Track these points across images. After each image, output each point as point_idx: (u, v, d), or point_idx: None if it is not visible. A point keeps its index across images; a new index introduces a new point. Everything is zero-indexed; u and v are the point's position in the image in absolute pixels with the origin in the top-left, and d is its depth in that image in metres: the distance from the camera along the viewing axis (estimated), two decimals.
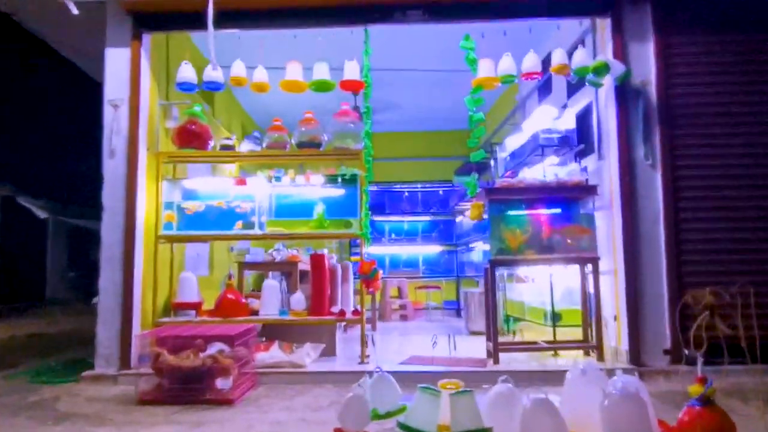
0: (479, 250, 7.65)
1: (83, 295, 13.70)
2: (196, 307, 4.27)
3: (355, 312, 4.11)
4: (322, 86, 4.00)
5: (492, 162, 6.62)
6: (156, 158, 4.32)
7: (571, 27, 4.51)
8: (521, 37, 4.10)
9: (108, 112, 4.12)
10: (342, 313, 4.13)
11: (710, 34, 3.97)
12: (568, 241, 4.03)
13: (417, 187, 9.00)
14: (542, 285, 5.03)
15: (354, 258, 7.66)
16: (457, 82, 7.08)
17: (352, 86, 4.00)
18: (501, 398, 2.32)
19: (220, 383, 3.32)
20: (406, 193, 9.01)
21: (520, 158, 5.11)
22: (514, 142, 5.44)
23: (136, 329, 4.00)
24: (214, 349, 3.46)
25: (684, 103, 3.93)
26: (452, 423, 2.22)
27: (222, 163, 4.76)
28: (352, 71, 3.98)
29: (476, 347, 4.87)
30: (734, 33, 3.95)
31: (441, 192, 9.01)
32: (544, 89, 5.57)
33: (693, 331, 2.40)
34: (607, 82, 4.03)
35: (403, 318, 7.91)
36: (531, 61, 3.94)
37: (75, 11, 3.88)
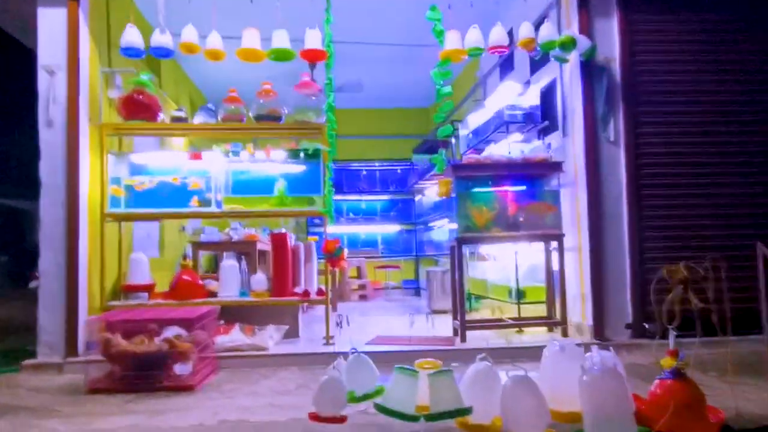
0: (440, 228, 7.65)
1: (18, 280, 12.86)
2: (149, 289, 4.01)
3: (320, 292, 3.98)
4: (281, 55, 3.77)
5: (453, 140, 6.55)
6: (99, 130, 3.98)
7: (536, 1, 4.45)
8: (486, 10, 4.01)
9: (43, 78, 3.75)
10: (306, 293, 3.98)
11: (672, 12, 4.01)
12: (533, 218, 4.03)
13: (375, 166, 8.87)
14: (506, 263, 5.05)
15: (311, 238, 7.48)
16: (419, 58, 6.96)
17: (313, 56, 3.79)
18: (479, 376, 2.26)
19: (179, 369, 3.12)
20: (364, 172, 8.87)
21: (484, 135, 5.06)
22: (476, 119, 5.39)
23: (83, 314, 3.72)
24: (170, 333, 3.25)
25: (647, 80, 3.97)
26: (432, 403, 2.15)
27: (173, 136, 4.46)
28: (313, 40, 3.77)
29: (439, 326, 4.86)
30: (695, 12, 4.00)
31: (399, 171, 8.92)
32: (506, 66, 5.53)
33: (666, 305, 2.42)
34: (572, 58, 4.02)
35: (363, 298, 7.84)
36: (498, 35, 3.85)
37: None
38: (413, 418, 2.15)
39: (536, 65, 4.79)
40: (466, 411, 2.13)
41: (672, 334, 2.41)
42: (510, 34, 4.81)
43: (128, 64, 4.69)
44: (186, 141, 6.38)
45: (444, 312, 5.91)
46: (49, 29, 3.76)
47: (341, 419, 2.15)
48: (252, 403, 2.79)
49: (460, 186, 4.02)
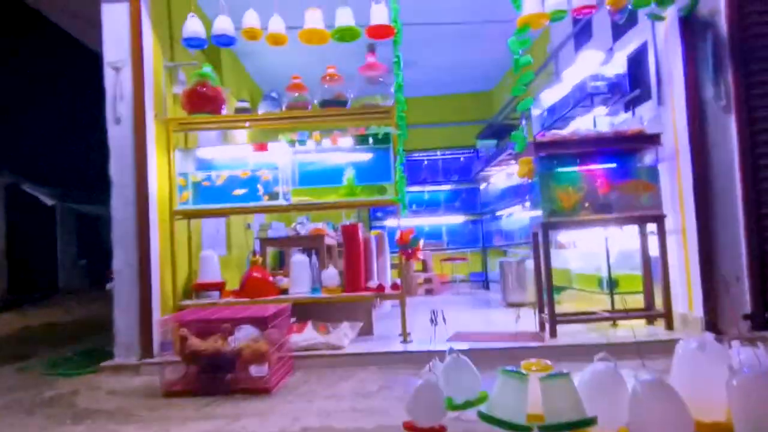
0: (509, 217, 7.24)
1: (96, 282, 13.47)
2: (220, 287, 3.91)
3: (395, 286, 3.74)
4: (346, 34, 3.54)
5: (523, 121, 6.14)
6: (165, 126, 3.90)
7: None
8: None
9: (109, 75, 3.70)
10: (381, 287, 3.75)
11: None
12: (628, 198, 3.61)
13: (437, 155, 8.54)
14: (591, 249, 4.63)
15: (374, 232, 7.29)
16: (479, 37, 6.58)
17: (380, 32, 3.53)
18: (600, 380, 1.94)
19: (255, 370, 2.97)
20: (426, 162, 8.55)
21: (562, 112, 4.64)
22: (551, 95, 4.97)
23: (157, 314, 3.66)
24: (243, 332, 3.11)
25: (759, 33, 3.44)
26: (547, 412, 1.85)
27: (238, 128, 4.33)
28: (379, 15, 3.51)
29: (521, 321, 4.50)
30: None
31: (462, 159, 8.54)
32: (583, 35, 5.06)
33: None
34: (669, 15, 3.55)
35: (429, 292, 7.56)
36: None
37: None
38: (525, 429, 1.85)
39: (620, 30, 4.32)
40: (589, 422, 1.81)
41: None
42: None
43: (190, 59, 4.62)
44: (248, 134, 6.32)
45: (520, 305, 5.54)
46: (113, 25, 3.71)
47: (440, 430, 1.88)
48: (333, 407, 2.58)
49: (543, 166, 3.65)
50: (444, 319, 2.01)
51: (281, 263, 6.80)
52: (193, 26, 3.62)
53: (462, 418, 2.06)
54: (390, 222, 8.23)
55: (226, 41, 3.65)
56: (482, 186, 8.42)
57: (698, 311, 3.49)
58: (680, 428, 1.77)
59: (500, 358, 3.21)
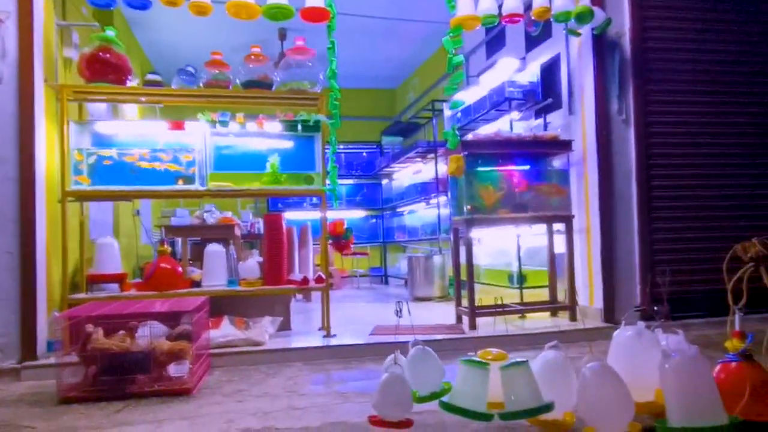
0: (411, 213, 7.40)
1: None
2: (121, 278, 3.48)
3: (319, 279, 3.61)
4: (279, 12, 3.33)
5: (433, 120, 6.32)
6: (57, 93, 3.38)
7: None
8: None
9: None
10: (305, 281, 3.60)
11: None
12: (542, 199, 3.85)
13: (339, 148, 8.45)
14: (499, 246, 4.88)
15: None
16: (393, 34, 6.65)
17: (315, 15, 3.39)
18: (551, 367, 2.03)
19: (175, 369, 2.68)
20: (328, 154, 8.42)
21: (477, 114, 4.84)
22: (465, 97, 5.15)
23: (42, 310, 3.16)
24: (153, 329, 2.79)
25: (657, 57, 3.87)
26: (507, 400, 1.89)
27: (148, 104, 3.88)
28: None
29: (428, 314, 4.63)
30: None
31: (365, 154, 8.57)
32: (495, 42, 5.32)
33: (733, 282, 2.29)
34: (584, 32, 3.85)
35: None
36: (513, 2, 3.61)
37: None
38: (486, 417, 1.88)
39: (533, 41, 4.60)
40: (547, 408, 1.88)
41: (738, 314, 2.29)
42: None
43: (83, 19, 4.07)
44: (139, 111, 5.74)
45: (428, 299, 5.70)
46: None
47: (407, 423, 1.84)
48: (269, 407, 2.41)
49: (467, 164, 3.77)
50: (409, 311, 1.96)
51: (179, 253, 6.28)
52: None
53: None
54: (291, 214, 7.99)
55: (140, 4, 3.26)
56: (384, 182, 8.52)
57: (598, 304, 3.84)
58: (623, 409, 1.91)
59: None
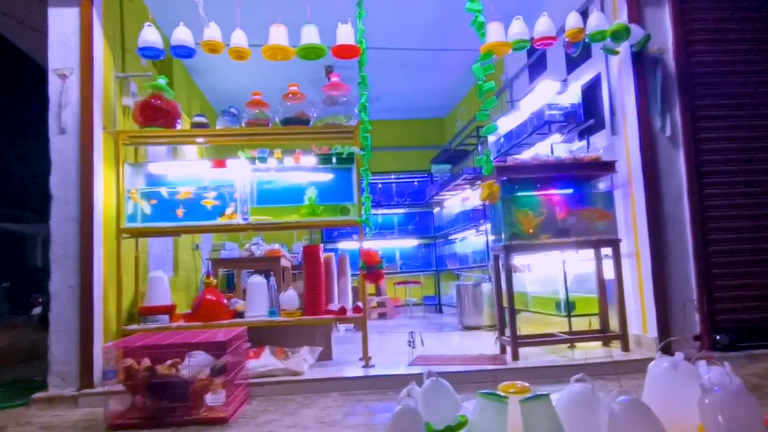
0: (462, 241, 7.32)
1: (19, 307, 12.48)
2: (170, 311, 3.67)
3: (357, 309, 3.63)
4: (312, 52, 3.48)
5: (479, 147, 6.28)
6: (114, 138, 3.68)
7: None
8: (507, 3, 3.71)
9: (54, 83, 3.46)
10: (342, 310, 3.64)
11: (727, 1, 3.74)
12: (586, 223, 3.71)
13: (390, 178, 8.56)
14: (546, 273, 4.72)
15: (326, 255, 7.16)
16: (436, 64, 6.73)
17: (346, 52, 3.51)
18: (578, 401, 1.92)
19: (211, 398, 2.77)
20: (380, 185, 8.54)
21: (519, 138, 4.77)
22: (508, 122, 5.10)
23: (99, 340, 3.38)
24: (198, 359, 2.91)
25: (703, 71, 3.68)
26: None
27: (195, 144, 4.14)
28: (345, 35, 3.49)
29: (476, 344, 4.52)
30: (749, 1, 3.74)
31: (416, 183, 8.61)
32: (537, 66, 5.26)
33: None
34: (622, 50, 3.74)
35: (382, 316, 7.46)
36: (545, 26, 3.57)
37: None
38: None
39: (574, 62, 4.51)
40: None
41: None
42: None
43: (141, 70, 4.42)
44: (201, 151, 6.10)
45: (477, 328, 5.56)
46: (61, 31, 3.49)
47: None
48: None
49: (504, 190, 3.70)
50: (422, 342, 1.94)
51: (230, 285, 6.53)
52: (150, 35, 3.46)
53: None
54: (344, 244, 8.12)
55: (185, 53, 3.51)
56: (436, 210, 8.50)
57: (652, 332, 3.60)
58: None
59: (464, 381, 3.17)
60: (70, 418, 2.97)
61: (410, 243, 8.54)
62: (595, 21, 3.55)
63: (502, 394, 1.91)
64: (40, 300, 9.33)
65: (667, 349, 3.48)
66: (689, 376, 1.95)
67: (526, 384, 2.00)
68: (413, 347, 1.90)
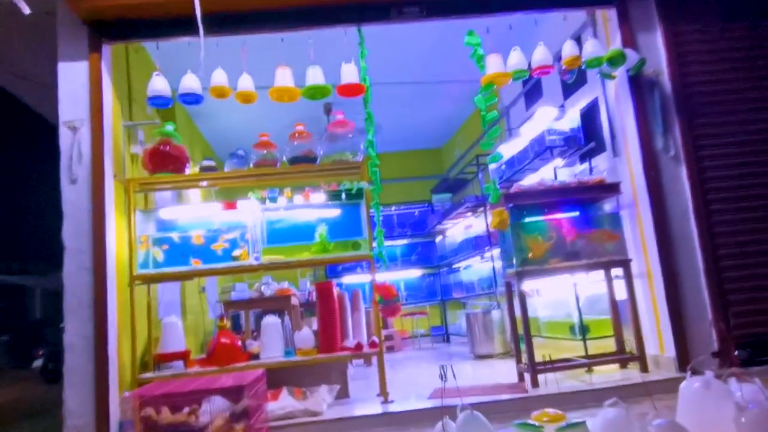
0: (467, 269, 7.32)
1: (20, 360, 12.28)
2: (185, 356, 3.63)
3: (372, 344, 3.61)
4: (317, 92, 3.57)
5: (480, 174, 6.36)
6: (125, 186, 3.71)
7: (562, 25, 4.31)
8: (504, 35, 3.84)
9: (65, 135, 3.51)
10: (359, 346, 3.62)
11: (715, 21, 3.87)
12: (595, 245, 3.74)
13: (391, 210, 8.61)
14: (558, 296, 4.72)
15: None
16: (432, 96, 6.87)
17: (351, 90, 3.59)
18: (613, 426, 1.91)
19: None
20: (381, 217, 8.56)
21: (520, 165, 4.84)
22: (507, 149, 5.18)
23: (114, 391, 3.33)
24: (216, 404, 2.87)
25: (700, 91, 3.78)
26: None
27: (204, 187, 4.18)
28: (350, 74, 3.58)
29: (490, 372, 4.48)
30: (740, 19, 3.87)
31: (417, 213, 8.66)
32: (533, 93, 5.38)
33: None
34: (618, 74, 3.85)
35: (390, 349, 7.39)
36: (542, 54, 3.68)
37: (27, 10, 3.28)
38: None
39: (570, 88, 4.63)
40: None
41: None
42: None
43: (147, 118, 4.50)
44: (202, 193, 6.14)
45: (489, 357, 5.52)
46: (71, 84, 3.56)
47: None
48: None
49: (512, 217, 3.74)
50: (453, 374, 1.93)
51: (235, 326, 6.47)
52: (159, 84, 3.54)
53: None
54: (348, 278, 8.10)
55: (193, 99, 3.59)
56: (438, 239, 8.53)
57: (669, 352, 3.59)
58: None
59: (488, 412, 3.12)
60: None
61: (414, 274, 8.53)
62: (591, 48, 3.67)
63: (537, 423, 1.90)
64: (40, 352, 9.20)
65: (685, 367, 3.47)
66: (722, 395, 1.95)
67: (560, 411, 2.00)
68: (445, 380, 1.89)
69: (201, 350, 5.57)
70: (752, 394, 1.92)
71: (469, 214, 6.78)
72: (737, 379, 2.08)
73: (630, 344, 3.80)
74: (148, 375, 3.52)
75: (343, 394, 3.81)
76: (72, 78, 3.57)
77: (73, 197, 3.45)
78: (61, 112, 3.53)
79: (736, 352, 3.50)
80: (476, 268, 6.98)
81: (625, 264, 3.71)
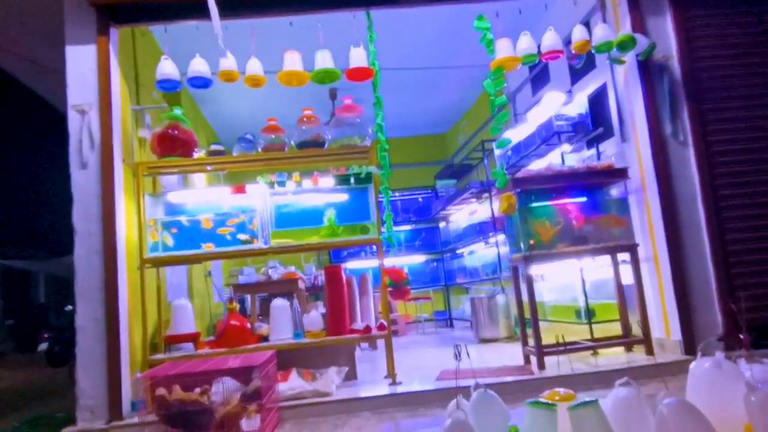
0: (474, 253, 7.34)
1: (25, 344, 12.39)
2: (194, 338, 3.67)
3: (381, 327, 3.65)
4: (326, 76, 3.56)
5: (484, 161, 6.35)
6: (134, 170, 3.72)
7: (571, 9, 4.28)
8: (513, 19, 3.82)
9: (74, 119, 3.51)
10: (368, 329, 3.65)
11: (725, 6, 3.85)
12: (602, 230, 3.75)
13: (395, 196, 8.61)
14: (563, 281, 4.75)
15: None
16: (437, 82, 6.85)
17: (360, 75, 3.58)
18: (625, 405, 1.94)
19: (246, 424, 2.77)
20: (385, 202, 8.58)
21: (527, 150, 4.83)
22: (514, 135, 5.17)
23: (126, 371, 3.37)
24: (227, 384, 2.91)
25: (709, 76, 3.77)
26: None
27: (213, 171, 4.17)
28: (358, 58, 3.57)
29: (496, 356, 4.52)
30: (748, 5, 3.84)
31: (421, 199, 8.67)
32: (540, 79, 5.36)
33: None
34: (628, 59, 3.83)
35: (394, 333, 7.42)
36: (551, 39, 3.67)
37: None
38: None
39: (578, 73, 4.61)
40: None
41: None
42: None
43: (154, 102, 4.49)
44: (207, 178, 6.14)
45: (494, 341, 5.57)
46: (79, 68, 3.55)
47: None
48: None
49: (520, 201, 3.75)
50: (468, 354, 1.96)
51: (241, 310, 6.52)
52: (168, 68, 3.53)
53: None
54: (352, 263, 8.14)
55: (202, 83, 3.58)
56: (442, 225, 8.54)
57: (675, 335, 3.62)
58: None
59: (496, 392, 3.16)
60: None
61: (418, 259, 8.56)
62: (601, 32, 3.65)
63: (550, 402, 1.93)
64: (46, 336, 9.29)
65: (691, 351, 3.51)
66: (733, 375, 1.98)
67: (571, 391, 2.02)
68: (459, 360, 1.91)
69: (208, 333, 5.62)
70: (762, 374, 1.94)
71: (474, 199, 6.79)
72: (747, 360, 2.11)
73: (635, 328, 3.84)
74: (159, 356, 3.56)
75: (351, 376, 3.86)
76: (80, 62, 3.56)
77: (83, 181, 3.46)
78: (70, 96, 3.53)
79: (740, 336, 3.52)
80: (480, 253, 7.01)
81: (632, 249, 3.73)
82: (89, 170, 3.46)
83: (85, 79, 3.55)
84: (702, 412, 1.86)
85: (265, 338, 3.72)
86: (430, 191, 8.64)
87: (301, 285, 4.87)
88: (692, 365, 2.09)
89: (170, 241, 3.69)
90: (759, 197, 3.66)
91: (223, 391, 2.82)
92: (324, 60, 3.54)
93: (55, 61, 3.84)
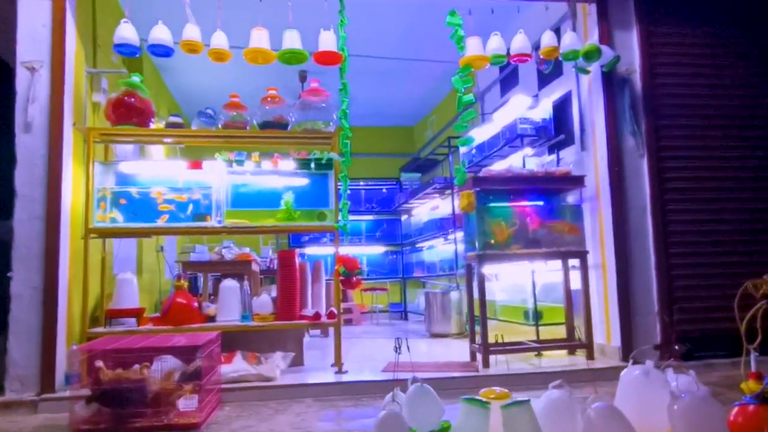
0: (433, 249, 7.40)
1: None
2: (138, 314, 3.57)
3: (331, 315, 3.63)
4: (293, 57, 3.49)
5: (450, 157, 6.38)
6: (85, 136, 3.57)
7: (543, 14, 4.33)
8: (485, 18, 3.83)
9: (22, 77, 3.33)
10: (317, 316, 3.63)
11: (688, 26, 3.96)
12: (555, 235, 3.83)
13: (359, 185, 8.58)
14: (516, 282, 4.84)
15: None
16: (407, 73, 6.82)
17: (328, 59, 3.52)
18: (556, 407, 1.99)
19: (184, 404, 2.71)
20: (348, 191, 8.53)
21: (491, 150, 4.88)
22: (479, 134, 5.22)
23: (62, 343, 3.25)
24: (168, 363, 2.85)
25: (667, 92, 3.88)
26: None
27: (170, 144, 4.05)
28: (328, 42, 3.51)
29: (445, 351, 4.58)
30: (709, 26, 3.97)
31: (384, 190, 8.67)
32: (509, 80, 5.41)
33: (746, 321, 2.23)
34: (593, 69, 3.90)
35: (348, 322, 7.45)
36: (521, 42, 3.70)
37: None
38: None
39: (545, 79, 4.67)
40: None
41: (753, 354, 2.23)
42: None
43: (113, 67, 4.32)
44: (165, 151, 5.97)
45: (444, 336, 5.63)
46: (31, 22, 3.36)
47: None
48: None
49: (478, 200, 3.79)
50: (408, 348, 1.97)
51: (193, 288, 6.39)
52: (127, 32, 3.39)
53: None
54: (311, 249, 8.08)
55: (163, 52, 3.45)
56: (404, 218, 8.57)
57: (615, 342, 3.74)
58: None
59: (438, 387, 3.19)
60: (30, 424, 2.84)
61: (377, 250, 8.58)
62: (569, 40, 3.70)
63: (484, 399, 1.96)
64: None
65: (628, 357, 3.63)
66: (660, 384, 2.05)
67: (506, 390, 2.06)
68: (399, 353, 1.92)
69: (155, 309, 5.48)
70: (686, 384, 2.02)
71: (437, 195, 6.83)
72: (674, 370, 2.19)
73: (579, 332, 3.94)
74: (99, 329, 3.45)
75: (297, 362, 3.84)
76: (33, 16, 3.37)
77: (29, 142, 3.29)
78: (19, 52, 3.35)
79: (676, 346, 3.67)
80: (439, 249, 7.07)
81: (581, 255, 3.82)
82: (35, 132, 3.30)
83: (38, 35, 3.37)
84: (628, 417, 1.93)
85: (212, 318, 3.65)
86: (394, 183, 8.64)
87: (255, 267, 4.80)
88: (623, 372, 2.16)
89: (119, 215, 3.56)
90: (702, 214, 3.81)
91: (161, 369, 2.76)
92: (292, 40, 3.47)
93: (6, 11, 3.63)
